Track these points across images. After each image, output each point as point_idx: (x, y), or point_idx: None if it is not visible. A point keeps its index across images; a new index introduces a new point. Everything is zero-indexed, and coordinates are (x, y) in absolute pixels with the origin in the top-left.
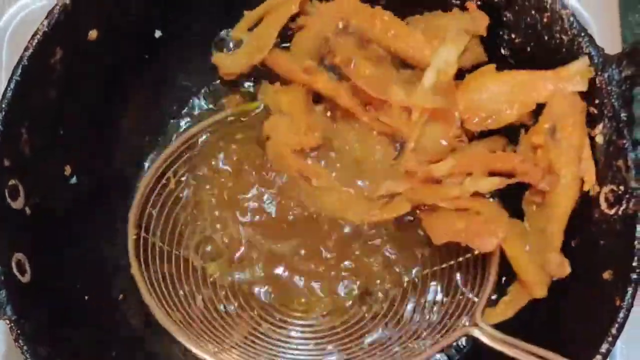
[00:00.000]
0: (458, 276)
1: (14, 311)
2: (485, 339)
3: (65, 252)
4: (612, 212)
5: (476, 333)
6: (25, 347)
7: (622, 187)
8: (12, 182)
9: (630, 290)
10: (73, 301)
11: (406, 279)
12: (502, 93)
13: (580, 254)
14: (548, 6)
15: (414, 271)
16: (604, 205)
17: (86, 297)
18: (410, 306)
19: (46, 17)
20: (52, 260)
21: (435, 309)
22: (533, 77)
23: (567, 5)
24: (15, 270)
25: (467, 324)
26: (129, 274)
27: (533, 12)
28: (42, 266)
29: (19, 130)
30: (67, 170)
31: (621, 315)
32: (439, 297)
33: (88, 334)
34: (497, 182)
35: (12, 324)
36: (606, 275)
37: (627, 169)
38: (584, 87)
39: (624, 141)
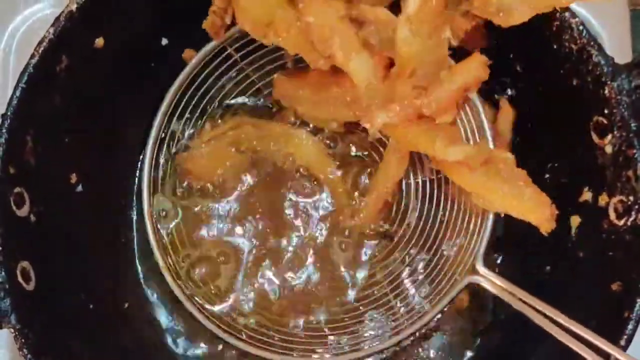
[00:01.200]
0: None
1: (19, 320)
2: (488, 287)
3: (70, 261)
4: (621, 223)
5: (479, 281)
6: (29, 356)
7: (631, 198)
8: (17, 189)
9: (639, 301)
10: (78, 310)
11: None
12: None
13: (588, 265)
14: (557, 14)
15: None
16: (612, 216)
17: (91, 306)
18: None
19: (52, 25)
20: (57, 268)
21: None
22: None
23: (576, 14)
24: (20, 278)
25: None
26: (135, 282)
27: (542, 20)
28: (47, 274)
29: (24, 138)
30: (73, 178)
31: (630, 327)
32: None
33: (93, 343)
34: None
35: (17, 333)
36: (615, 286)
37: (636, 179)
38: None
39: (634, 151)
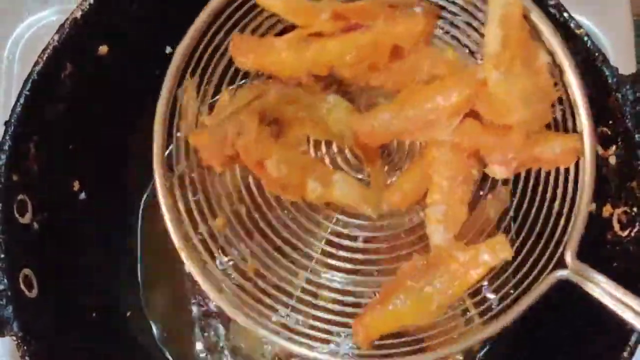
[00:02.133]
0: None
1: (21, 327)
2: (582, 285)
3: (72, 268)
4: (625, 233)
5: (570, 277)
6: None
7: (635, 209)
8: (20, 197)
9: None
10: (80, 318)
11: None
12: None
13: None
14: (561, 26)
15: None
16: (616, 227)
17: (94, 314)
18: None
19: (56, 32)
20: (60, 275)
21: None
22: None
23: (580, 24)
24: (22, 285)
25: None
26: (137, 290)
27: None
28: (50, 282)
29: (27, 145)
30: (76, 185)
31: (633, 339)
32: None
33: (96, 350)
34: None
35: (19, 341)
36: None
37: None
38: None
39: (638, 162)
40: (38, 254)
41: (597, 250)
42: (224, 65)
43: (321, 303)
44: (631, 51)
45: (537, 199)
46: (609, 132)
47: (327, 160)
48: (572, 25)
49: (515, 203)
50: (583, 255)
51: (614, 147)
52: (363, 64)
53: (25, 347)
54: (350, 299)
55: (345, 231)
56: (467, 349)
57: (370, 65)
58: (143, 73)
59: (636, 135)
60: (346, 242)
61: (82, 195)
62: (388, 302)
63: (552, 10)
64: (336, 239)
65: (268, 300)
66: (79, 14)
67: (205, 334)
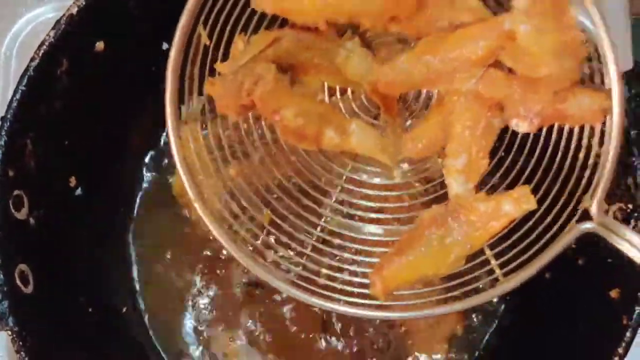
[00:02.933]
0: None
1: (16, 322)
2: (610, 238)
3: (69, 264)
4: None
5: (598, 230)
6: (27, 359)
7: (630, 205)
8: (16, 192)
9: (638, 309)
10: (76, 313)
11: None
12: None
13: (587, 272)
14: None
15: None
16: None
17: (90, 309)
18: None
19: (53, 28)
20: (56, 271)
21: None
22: None
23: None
24: (18, 281)
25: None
26: (133, 287)
27: None
28: (46, 277)
29: (24, 141)
30: (72, 181)
31: (628, 334)
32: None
33: (91, 346)
34: None
35: (14, 336)
36: (613, 293)
37: (636, 186)
38: None
39: (633, 159)
40: (34, 249)
41: (591, 246)
42: (238, 11)
43: (337, 253)
44: (628, 49)
45: (562, 145)
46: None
47: (342, 107)
48: None
49: (539, 151)
50: (578, 251)
51: None
52: (387, 14)
53: (20, 342)
54: (367, 248)
55: (362, 178)
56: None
57: (392, 17)
58: (139, 69)
59: (632, 132)
60: (362, 190)
61: (79, 191)
62: (406, 252)
63: None
64: (352, 187)
65: (283, 251)
66: (75, 10)
67: (200, 329)
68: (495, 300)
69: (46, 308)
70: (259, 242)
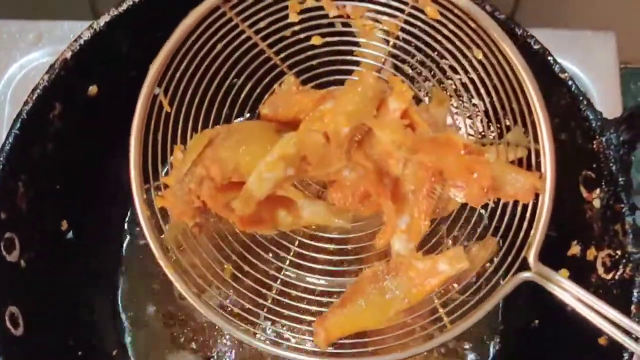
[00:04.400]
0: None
1: None
2: (547, 285)
3: (59, 307)
4: (609, 277)
5: (535, 279)
6: None
7: (619, 252)
8: (8, 235)
9: (626, 356)
10: (66, 356)
11: None
12: None
13: (576, 318)
14: (546, 69)
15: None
16: (600, 270)
17: (79, 353)
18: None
19: (46, 72)
20: (46, 314)
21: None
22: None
23: (566, 69)
24: (8, 323)
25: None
26: (122, 330)
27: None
28: (36, 320)
29: (16, 184)
30: (64, 225)
31: None
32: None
33: None
34: None
35: None
36: (602, 340)
37: (624, 233)
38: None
39: (622, 205)
40: (25, 292)
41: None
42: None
43: (293, 304)
44: (617, 97)
45: (501, 203)
46: (593, 176)
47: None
48: (556, 69)
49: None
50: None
51: (598, 191)
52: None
53: None
54: (318, 299)
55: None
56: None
57: None
58: (132, 114)
59: (620, 179)
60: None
61: (70, 235)
62: (348, 305)
63: (537, 52)
64: (307, 241)
65: (245, 304)
66: (69, 55)
67: None
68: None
69: (36, 351)
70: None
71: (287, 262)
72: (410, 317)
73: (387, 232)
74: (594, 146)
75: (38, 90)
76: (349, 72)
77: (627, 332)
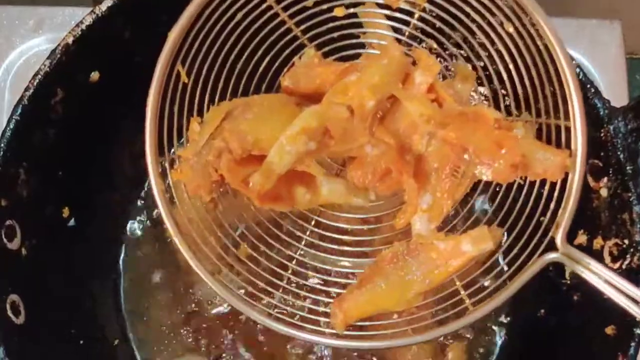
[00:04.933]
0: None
1: (7, 353)
2: (574, 267)
3: (61, 295)
4: (616, 266)
5: (562, 260)
6: None
7: (626, 241)
8: (8, 222)
9: (633, 345)
10: (68, 344)
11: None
12: None
13: (583, 308)
14: (553, 57)
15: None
16: (608, 259)
17: (81, 342)
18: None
19: (48, 57)
20: (48, 302)
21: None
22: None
23: (573, 57)
24: (9, 311)
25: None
26: (125, 318)
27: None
28: (37, 309)
29: (17, 171)
30: (65, 212)
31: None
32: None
33: None
34: None
35: None
36: (609, 330)
37: (632, 222)
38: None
39: (629, 194)
40: (26, 280)
41: (588, 283)
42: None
43: (310, 285)
44: (624, 87)
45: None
46: (601, 164)
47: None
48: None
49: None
50: (574, 287)
51: (605, 179)
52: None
53: None
54: (336, 280)
55: (331, 223)
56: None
57: None
58: (134, 99)
59: (628, 168)
60: (334, 225)
61: (72, 222)
62: (366, 286)
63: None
64: (325, 221)
65: (260, 284)
66: (70, 40)
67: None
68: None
69: (37, 339)
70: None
71: (304, 241)
72: (431, 298)
73: (408, 212)
74: (602, 134)
75: (39, 76)
76: (372, 46)
77: None
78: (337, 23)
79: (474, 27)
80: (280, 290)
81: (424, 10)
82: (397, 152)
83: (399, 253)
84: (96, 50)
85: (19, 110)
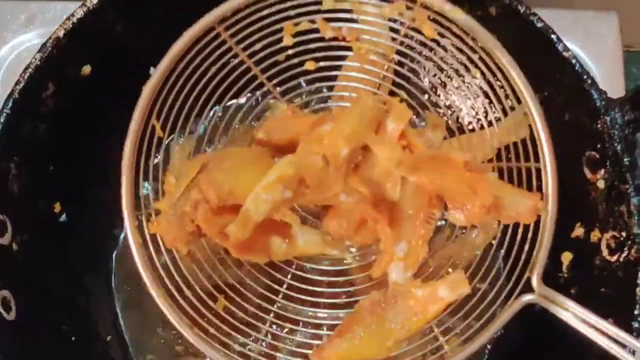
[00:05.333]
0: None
1: None
2: (550, 308)
3: (52, 291)
4: (614, 259)
5: (538, 302)
6: None
7: (624, 234)
8: None
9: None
10: (59, 341)
11: None
12: None
13: (580, 301)
14: (550, 48)
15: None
16: (605, 252)
17: (73, 338)
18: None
19: (39, 51)
20: (39, 298)
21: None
22: None
23: (569, 48)
24: (0, 307)
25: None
26: (118, 314)
27: (535, 54)
28: (29, 304)
29: (7, 165)
30: (57, 207)
31: None
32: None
33: None
34: None
35: None
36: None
37: (629, 214)
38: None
39: (627, 186)
40: (17, 275)
41: (584, 275)
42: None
43: (288, 337)
44: (620, 79)
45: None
46: (597, 156)
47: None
48: (559, 47)
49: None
50: (571, 280)
51: (602, 171)
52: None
53: None
54: (314, 331)
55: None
56: None
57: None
58: (126, 94)
59: (625, 159)
60: (309, 277)
61: (63, 217)
62: (346, 335)
63: (540, 30)
64: (301, 273)
65: (238, 336)
66: (62, 33)
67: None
68: None
69: (28, 335)
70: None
71: (281, 294)
72: (410, 346)
73: (384, 261)
74: (598, 126)
75: (30, 70)
76: (344, 97)
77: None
78: (309, 77)
79: (442, 76)
80: (259, 342)
81: (392, 61)
82: (371, 201)
83: (377, 302)
84: (88, 43)
85: (10, 104)
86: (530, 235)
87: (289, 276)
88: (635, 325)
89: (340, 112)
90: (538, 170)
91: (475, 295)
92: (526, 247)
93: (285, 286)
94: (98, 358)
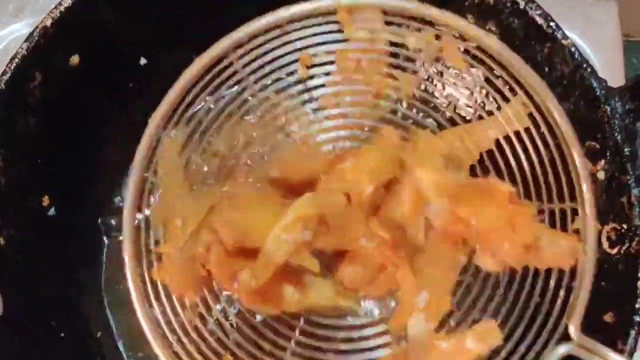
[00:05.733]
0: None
1: None
2: (589, 358)
3: (40, 287)
4: (614, 251)
5: (578, 353)
6: None
7: (624, 226)
8: None
9: (633, 333)
10: (48, 338)
11: None
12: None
13: None
14: (549, 37)
15: None
16: (605, 245)
17: (62, 335)
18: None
19: (25, 40)
20: (27, 294)
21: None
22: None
23: (568, 37)
24: None
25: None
26: (108, 310)
27: (534, 42)
28: (16, 300)
29: None
30: (45, 201)
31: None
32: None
33: None
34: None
35: None
36: (607, 317)
37: (630, 206)
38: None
39: (627, 177)
40: (4, 270)
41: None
42: None
43: None
44: (620, 68)
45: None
46: (597, 146)
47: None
48: (559, 35)
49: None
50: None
51: (602, 162)
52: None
53: None
54: None
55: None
56: None
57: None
58: (116, 85)
59: (625, 149)
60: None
61: (52, 211)
62: None
63: (539, 20)
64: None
65: None
66: (49, 22)
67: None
68: None
69: (17, 331)
70: None
71: (289, 352)
72: None
73: (403, 313)
74: (598, 115)
75: (17, 60)
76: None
77: None
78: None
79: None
80: None
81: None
82: (392, 245)
83: (399, 357)
84: (76, 33)
85: None
86: (565, 280)
87: (297, 332)
88: (637, 319)
89: (361, 148)
90: (574, 211)
91: (506, 347)
92: (562, 293)
93: (293, 342)
94: (88, 354)
